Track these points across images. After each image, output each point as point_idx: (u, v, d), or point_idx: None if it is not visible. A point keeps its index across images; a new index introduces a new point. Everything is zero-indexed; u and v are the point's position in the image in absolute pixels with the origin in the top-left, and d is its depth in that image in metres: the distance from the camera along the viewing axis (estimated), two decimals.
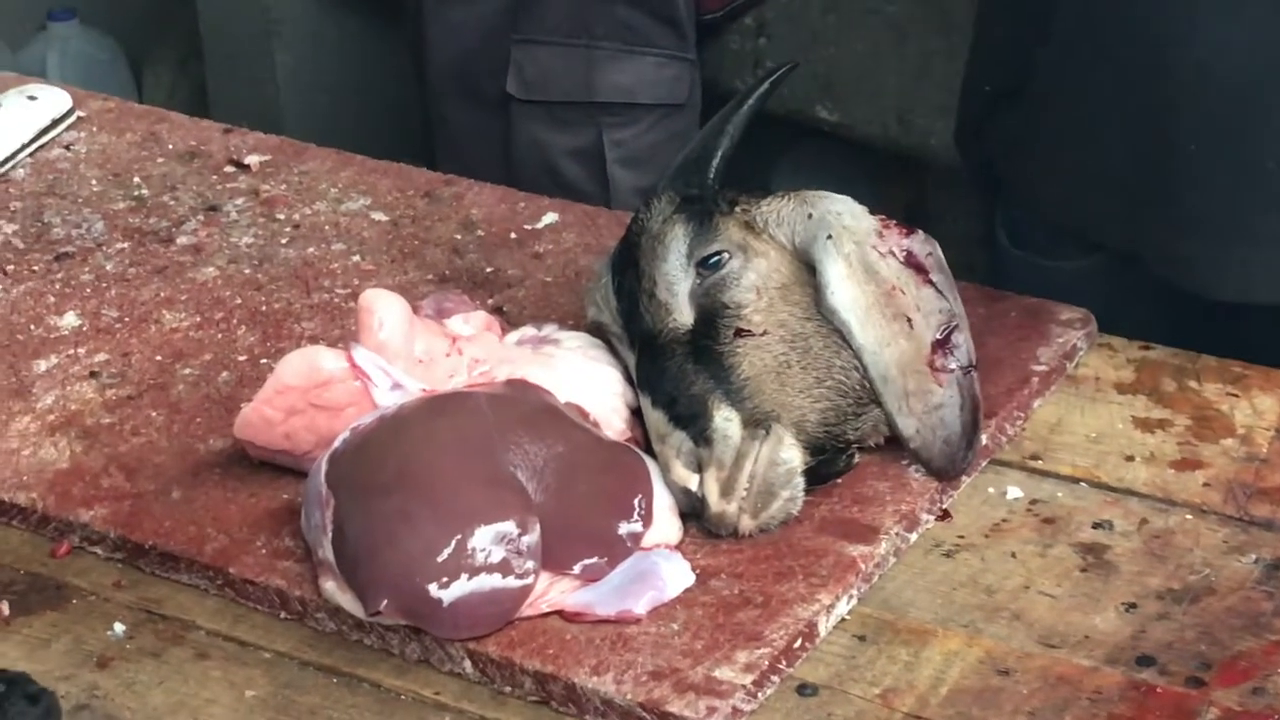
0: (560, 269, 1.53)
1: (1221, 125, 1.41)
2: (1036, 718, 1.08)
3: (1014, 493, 1.26)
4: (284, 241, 1.59)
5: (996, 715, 1.08)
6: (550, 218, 1.60)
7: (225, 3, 3.13)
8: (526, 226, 1.59)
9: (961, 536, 1.23)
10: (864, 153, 2.45)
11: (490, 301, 1.47)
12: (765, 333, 1.23)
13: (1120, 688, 1.09)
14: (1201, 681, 1.10)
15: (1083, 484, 1.27)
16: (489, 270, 1.53)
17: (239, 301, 1.50)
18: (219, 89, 3.15)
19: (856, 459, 1.25)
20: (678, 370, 1.22)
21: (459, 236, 1.59)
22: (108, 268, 1.55)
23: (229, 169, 1.70)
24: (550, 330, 1.33)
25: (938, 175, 2.42)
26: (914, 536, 1.22)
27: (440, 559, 1.12)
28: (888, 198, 2.38)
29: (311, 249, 1.57)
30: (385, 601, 1.12)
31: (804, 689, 1.10)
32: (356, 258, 1.56)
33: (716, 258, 1.25)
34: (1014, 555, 1.21)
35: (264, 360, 1.41)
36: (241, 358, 1.42)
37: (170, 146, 1.75)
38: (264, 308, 1.49)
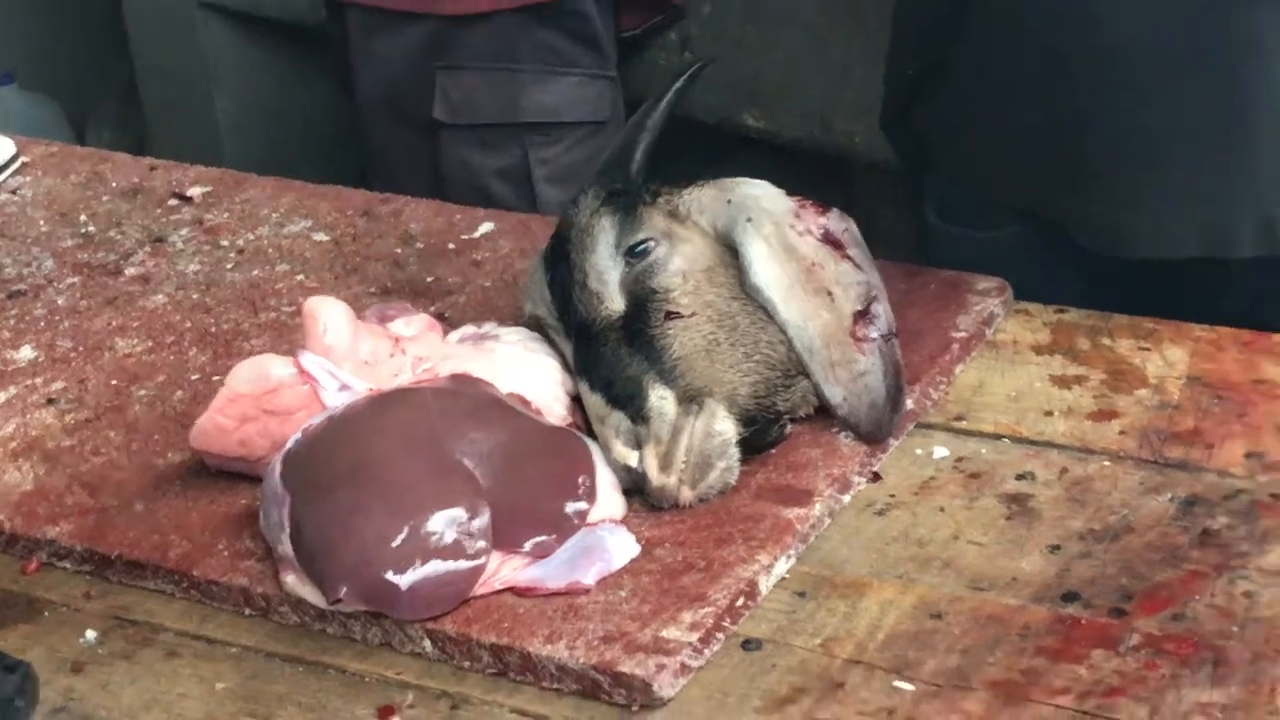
0: (498, 274, 1.58)
1: (1115, 90, 1.48)
2: (969, 655, 1.13)
3: (940, 452, 1.32)
4: (229, 266, 1.64)
5: (931, 655, 1.13)
6: (486, 227, 1.65)
7: (161, 54, 3.18)
8: (463, 237, 1.65)
9: (892, 495, 1.28)
10: (792, 157, 2.51)
11: (432, 309, 1.52)
12: (693, 314, 1.29)
13: (1047, 622, 1.15)
14: (1124, 611, 1.15)
15: (1005, 440, 1.33)
16: (429, 280, 1.59)
17: (189, 325, 1.55)
18: (159, 138, 3.20)
19: (789, 429, 1.31)
20: (612, 355, 1.28)
21: (399, 250, 1.64)
22: (60, 302, 1.60)
23: (172, 202, 1.75)
24: (490, 327, 1.38)
25: (862, 174, 2.48)
26: (847, 498, 1.27)
27: (395, 546, 1.17)
28: (817, 198, 2.44)
29: (257, 271, 1.62)
30: (345, 589, 1.17)
31: (748, 644, 1.16)
32: (301, 277, 1.61)
33: (643, 246, 1.31)
34: (942, 509, 1.26)
35: (216, 378, 1.46)
36: (194, 376, 1.47)
37: (114, 185, 1.80)
38: (213, 329, 1.54)
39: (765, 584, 1.19)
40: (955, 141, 1.61)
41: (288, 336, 1.51)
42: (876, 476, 1.30)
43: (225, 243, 1.67)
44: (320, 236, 1.67)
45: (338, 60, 2.37)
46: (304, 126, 3.02)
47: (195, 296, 1.59)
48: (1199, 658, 1.11)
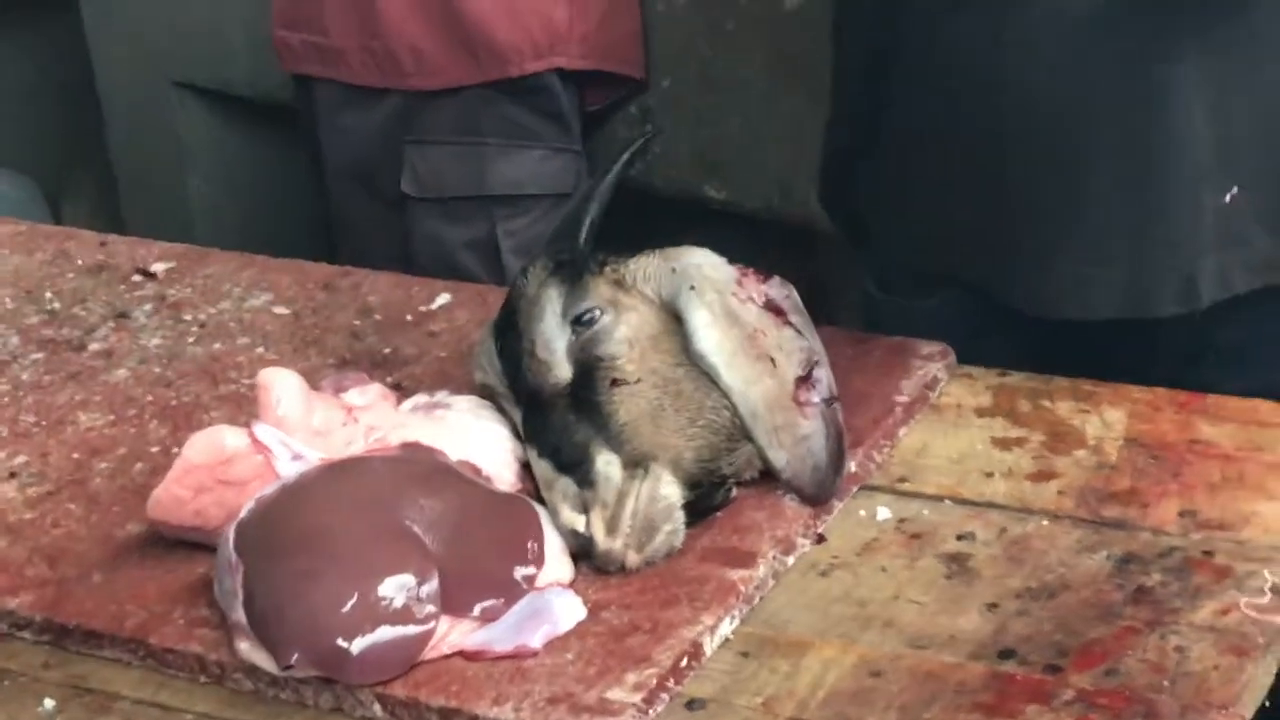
0: (454, 344, 1.61)
1: (1032, 151, 1.52)
2: (907, 712, 1.15)
3: (883, 513, 1.35)
4: (191, 340, 1.66)
5: (870, 712, 1.16)
6: (443, 298, 1.69)
7: (135, 132, 3.22)
8: (421, 308, 1.68)
9: (835, 556, 1.31)
10: (754, 227, 2.55)
11: (389, 380, 1.55)
12: (639, 380, 1.32)
13: (983, 679, 1.17)
14: (1059, 668, 1.18)
15: (947, 501, 1.36)
16: (387, 351, 1.62)
17: (150, 398, 1.57)
18: (133, 214, 3.24)
19: (734, 492, 1.33)
20: (560, 421, 1.31)
21: (357, 322, 1.67)
22: (24, 377, 1.63)
23: (136, 278, 1.78)
24: (441, 396, 1.41)
25: (824, 241, 2.52)
26: (791, 559, 1.30)
27: (345, 611, 1.19)
28: (782, 267, 2.48)
29: (218, 345, 1.65)
30: (296, 656, 1.19)
31: (692, 704, 1.18)
32: (261, 349, 1.64)
33: (589, 314, 1.34)
34: (884, 569, 1.29)
35: (175, 450, 1.47)
36: (154, 449, 1.50)
37: (79, 262, 1.83)
38: (174, 402, 1.57)
39: (710, 644, 1.22)
40: (886, 211, 1.65)
41: (246, 409, 1.53)
42: (821, 538, 1.33)
43: (188, 317, 1.70)
44: (281, 310, 1.70)
45: (306, 135, 2.41)
46: (276, 202, 3.05)
47: (157, 370, 1.62)
48: (1131, 711, 1.14)
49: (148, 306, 1.73)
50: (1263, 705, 1.16)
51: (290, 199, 3.00)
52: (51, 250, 1.86)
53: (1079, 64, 1.48)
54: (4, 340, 1.69)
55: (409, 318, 1.67)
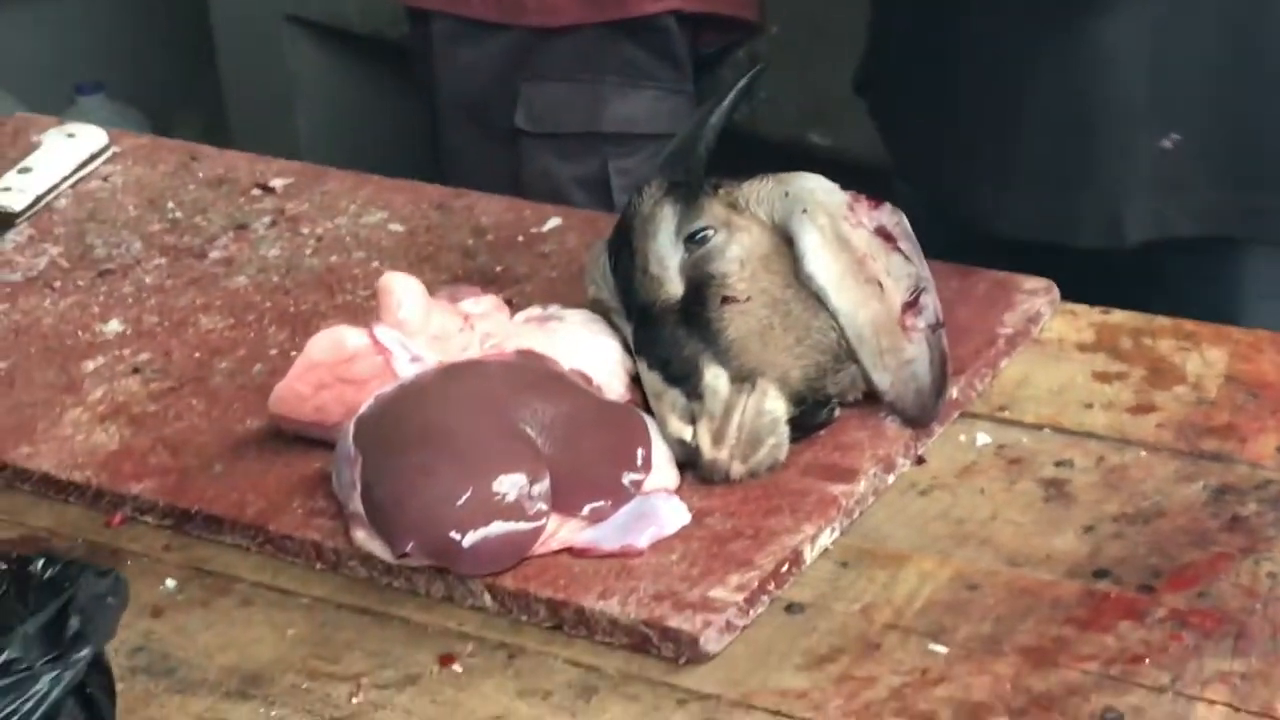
0: (564, 266, 1.65)
1: (994, 80, 1.68)
2: (1002, 623, 1.19)
3: (983, 439, 1.38)
4: (308, 252, 1.72)
5: (965, 622, 1.19)
6: (554, 221, 1.73)
7: (247, 68, 3.29)
8: (532, 230, 1.72)
9: (935, 478, 1.34)
10: (857, 175, 2.58)
11: (500, 296, 1.60)
12: (749, 299, 1.36)
13: (1078, 596, 1.21)
14: (1152, 588, 1.21)
15: (1046, 430, 1.39)
16: (499, 269, 1.66)
17: (269, 305, 1.63)
18: (241, 148, 3.30)
19: (837, 412, 1.37)
20: (670, 336, 1.35)
21: (470, 242, 1.72)
22: (147, 280, 1.68)
23: (255, 192, 1.84)
24: (554, 309, 1.45)
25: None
26: (891, 478, 1.34)
27: (460, 505, 1.24)
28: None
29: (334, 258, 1.70)
30: (412, 544, 1.24)
31: (792, 607, 1.22)
32: (375, 263, 1.69)
33: (703, 233, 1.38)
34: (982, 491, 1.32)
35: (293, 353, 1.51)
36: (273, 351, 1.55)
37: (200, 175, 1.89)
38: (292, 309, 1.62)
39: (810, 553, 1.26)
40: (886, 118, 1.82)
41: (362, 319, 1.57)
42: (921, 459, 1.36)
43: (305, 231, 1.76)
44: (395, 227, 1.75)
45: (419, 69, 2.46)
46: (384, 138, 3.11)
47: (275, 279, 1.67)
48: (1221, 631, 1.17)
49: (266, 219, 1.78)
50: None
51: (398, 135, 3.05)
52: (173, 163, 1.92)
53: (1029, 15, 1.62)
54: (128, 245, 1.75)
55: (520, 239, 1.71)
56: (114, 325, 1.61)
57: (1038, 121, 1.66)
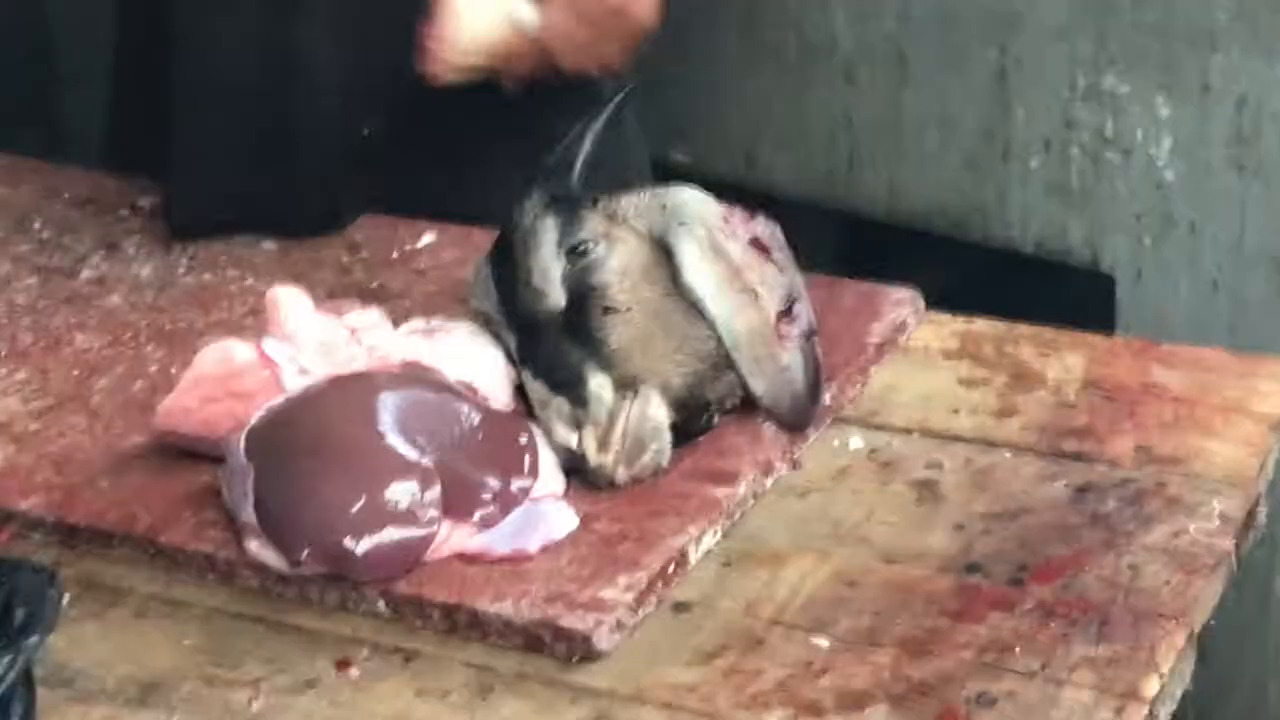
0: (441, 281, 1.72)
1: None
2: (880, 616, 1.28)
3: (855, 443, 1.47)
4: (181, 271, 1.77)
5: (845, 616, 1.28)
6: (428, 238, 1.80)
7: (89, 79, 3.30)
8: (407, 247, 1.79)
9: (811, 480, 1.43)
10: (718, 193, 2.67)
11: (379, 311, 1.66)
12: (630, 309, 1.43)
13: (951, 590, 1.30)
14: (1020, 581, 1.31)
15: (915, 434, 1.48)
16: (374, 285, 1.73)
17: (145, 323, 1.68)
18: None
19: (717, 418, 1.46)
20: (554, 346, 1.43)
21: (344, 259, 1.78)
22: (19, 301, 1.72)
23: (123, 212, 1.88)
24: (438, 322, 1.52)
25: (789, 209, 2.65)
26: (770, 481, 1.42)
27: (353, 513, 1.30)
28: None
29: (208, 275, 1.76)
30: (306, 553, 1.30)
31: (679, 606, 1.30)
32: (250, 281, 1.74)
33: (584, 246, 1.46)
34: (856, 493, 1.42)
35: (173, 370, 1.58)
36: (152, 369, 1.60)
37: (66, 195, 1.93)
38: (168, 327, 1.67)
39: (694, 554, 1.34)
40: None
41: (238, 334, 1.63)
42: (796, 464, 1.45)
43: (177, 250, 1.81)
44: (268, 245, 1.81)
45: None
46: None
47: (149, 298, 1.72)
48: (1087, 619, 1.27)
49: (136, 238, 1.83)
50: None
51: None
52: (38, 184, 1.95)
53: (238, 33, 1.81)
54: None
55: (395, 255, 1.78)
56: None
57: (256, 134, 1.82)
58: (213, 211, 1.82)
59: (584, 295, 1.44)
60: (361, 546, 1.30)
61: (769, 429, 1.46)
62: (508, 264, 1.48)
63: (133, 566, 1.38)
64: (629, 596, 1.28)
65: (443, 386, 1.42)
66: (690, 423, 1.43)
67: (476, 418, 1.39)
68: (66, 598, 1.33)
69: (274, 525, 1.33)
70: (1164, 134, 2.25)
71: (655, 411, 1.40)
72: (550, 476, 1.38)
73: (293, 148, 1.82)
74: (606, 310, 1.43)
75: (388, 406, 1.37)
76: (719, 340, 1.45)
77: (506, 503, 1.35)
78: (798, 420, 1.45)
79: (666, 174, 2.64)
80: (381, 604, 1.31)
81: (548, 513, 1.36)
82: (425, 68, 1.75)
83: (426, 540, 1.32)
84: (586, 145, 1.54)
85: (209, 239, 1.80)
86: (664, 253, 1.47)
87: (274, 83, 1.81)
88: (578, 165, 1.53)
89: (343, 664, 1.28)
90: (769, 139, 2.53)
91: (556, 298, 1.45)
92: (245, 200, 1.81)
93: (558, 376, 1.41)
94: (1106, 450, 1.45)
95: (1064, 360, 1.57)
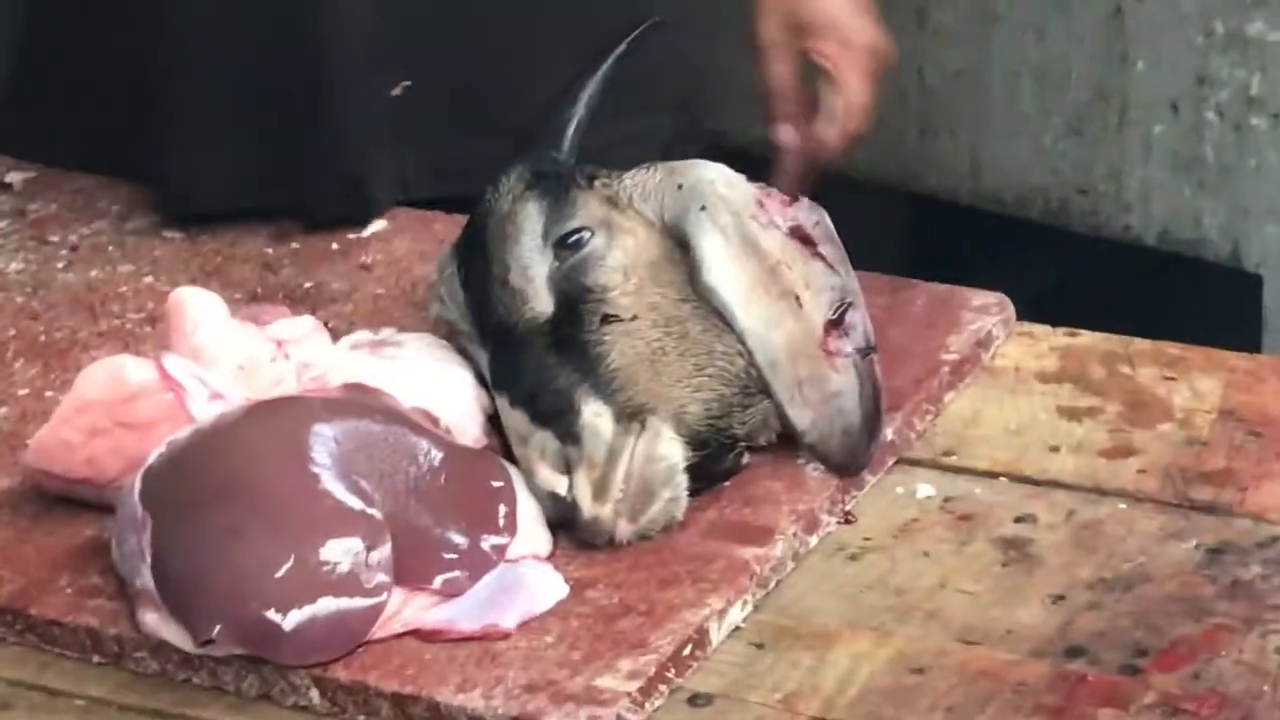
0: (394, 279, 1.74)
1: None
2: (955, 713, 1.29)
3: (925, 490, 1.48)
4: (60, 266, 1.79)
5: (910, 713, 1.29)
6: (378, 225, 1.81)
7: None
8: (350, 235, 1.80)
9: (868, 538, 1.44)
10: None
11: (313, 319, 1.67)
12: (635, 317, 1.44)
13: (1047, 679, 1.31)
14: (1137, 669, 1.31)
15: (1002, 479, 1.49)
16: (308, 285, 1.74)
17: (13, 333, 1.69)
18: None
19: (746, 458, 1.47)
20: (537, 364, 1.44)
21: (270, 250, 1.80)
22: None
23: None
24: (388, 334, 1.53)
25: (841, 190, 2.66)
26: (814, 539, 1.43)
27: (279, 577, 1.31)
28: None
29: (94, 272, 1.77)
30: (218, 629, 1.31)
31: (697, 699, 1.31)
32: (149, 279, 1.76)
33: (576, 236, 1.47)
34: (926, 554, 1.42)
35: (49, 393, 1.60)
36: (22, 392, 1.61)
37: None
38: (43, 338, 1.68)
39: (717, 632, 1.35)
40: None
41: (135, 348, 1.65)
42: (849, 517, 1.46)
43: (54, 239, 1.83)
44: (171, 233, 1.82)
45: None
46: None
47: (19, 300, 1.74)
48: (1223, 718, 1.27)
49: (3, 224, 1.85)
50: None
51: None
52: None
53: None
54: None
55: (335, 246, 1.79)
56: None
57: (260, 97, 1.85)
58: (220, 195, 1.84)
59: (577, 299, 1.45)
60: (290, 620, 1.30)
61: (814, 472, 1.46)
62: (479, 259, 1.49)
63: None
64: (632, 686, 1.29)
65: (395, 416, 1.42)
66: (712, 463, 1.44)
67: (438, 456, 1.40)
68: None
69: (177, 593, 1.33)
70: None
71: (667, 449, 1.41)
72: (532, 532, 1.39)
73: (313, 111, 1.84)
74: (606, 319, 1.44)
75: (324, 441, 1.37)
76: (749, 357, 1.46)
77: (476, 565, 1.36)
78: (851, 460, 1.46)
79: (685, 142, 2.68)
80: (315, 694, 1.32)
81: (528, 577, 1.36)
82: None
83: (373, 612, 1.32)
84: (581, 107, 1.55)
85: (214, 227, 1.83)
86: (679, 246, 1.48)
87: (287, 38, 1.82)
88: (570, 132, 1.54)
89: None
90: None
91: (541, 302, 1.46)
92: (257, 182, 1.84)
93: (542, 404, 1.42)
94: (1249, 501, 1.46)
95: (1195, 384, 1.58)
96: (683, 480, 1.42)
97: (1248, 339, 2.30)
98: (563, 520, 1.41)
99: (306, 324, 1.52)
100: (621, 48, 1.59)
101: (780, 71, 1.79)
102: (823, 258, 1.49)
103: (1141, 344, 1.62)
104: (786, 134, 1.80)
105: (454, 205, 1.77)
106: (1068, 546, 1.42)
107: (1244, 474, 1.48)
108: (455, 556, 1.36)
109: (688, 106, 2.02)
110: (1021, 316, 1.65)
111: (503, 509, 1.39)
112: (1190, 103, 2.32)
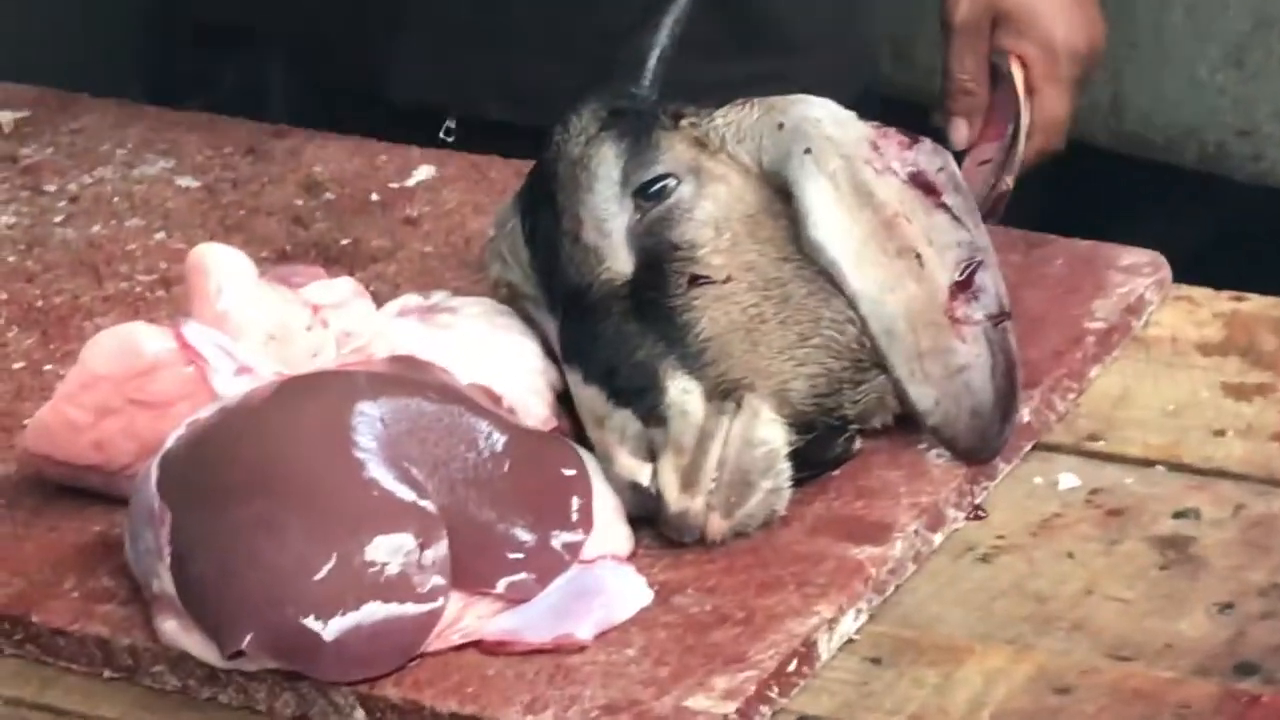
0: (443, 236, 1.74)
1: None
2: None
3: (1068, 481, 1.48)
4: (58, 220, 1.80)
5: None
6: (424, 171, 1.82)
7: None
8: (392, 185, 1.81)
9: (1001, 537, 1.44)
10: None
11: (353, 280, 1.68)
12: (729, 279, 1.45)
13: (1214, 699, 1.31)
14: None
15: (1158, 467, 1.49)
16: (345, 242, 1.75)
17: (5, 297, 1.70)
18: None
19: (858, 443, 1.47)
20: (616, 333, 1.44)
21: (300, 202, 1.80)
22: None
23: None
24: (441, 298, 1.54)
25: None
26: (938, 538, 1.43)
27: (319, 580, 1.32)
28: None
29: (97, 228, 1.79)
30: (248, 638, 1.32)
31: None
32: (161, 235, 1.77)
33: (660, 184, 1.47)
34: (1071, 556, 1.42)
35: (49, 366, 1.61)
36: (18, 365, 1.63)
37: None
38: (40, 303, 1.70)
39: (827, 645, 1.35)
40: None
41: (147, 314, 1.66)
42: (979, 512, 1.46)
43: (51, 188, 1.83)
44: (186, 181, 1.83)
45: None
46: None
47: (12, 259, 1.75)
48: None
49: None
50: None
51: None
52: None
53: None
54: None
55: (375, 197, 1.80)
56: None
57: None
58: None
59: (661, 258, 1.45)
60: (331, 629, 1.31)
61: (938, 459, 1.47)
62: (546, 211, 1.49)
63: None
64: (729, 708, 1.29)
65: (450, 394, 1.43)
66: (819, 449, 1.44)
67: (500, 440, 1.40)
68: None
69: (201, 598, 1.34)
70: None
71: (767, 431, 1.41)
72: (609, 528, 1.40)
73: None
74: (694, 280, 1.44)
75: (369, 422, 1.38)
76: (863, 325, 1.46)
77: (545, 566, 1.37)
78: (981, 446, 1.46)
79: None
80: (361, 715, 1.32)
81: (606, 581, 1.37)
82: None
83: (427, 620, 1.33)
84: (664, 36, 1.55)
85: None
86: (780, 196, 1.48)
87: None
88: (651, 64, 1.54)
89: None
90: (929, 26, 2.53)
91: (619, 261, 1.46)
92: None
93: (621, 380, 1.42)
94: None
95: None
96: (785, 469, 1.42)
97: None
98: (646, 513, 1.41)
99: (346, 286, 1.53)
100: None
101: (969, 63, 1.79)
102: (948, 209, 1.49)
103: None
104: (961, 133, 1.79)
105: (523, 135, 1.78)
106: (1236, 546, 1.42)
107: None
108: (521, 556, 1.37)
109: (833, 47, 2.02)
110: (1178, 278, 1.65)
111: (576, 501, 1.39)
112: None
